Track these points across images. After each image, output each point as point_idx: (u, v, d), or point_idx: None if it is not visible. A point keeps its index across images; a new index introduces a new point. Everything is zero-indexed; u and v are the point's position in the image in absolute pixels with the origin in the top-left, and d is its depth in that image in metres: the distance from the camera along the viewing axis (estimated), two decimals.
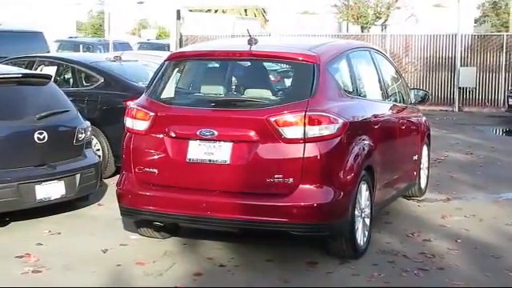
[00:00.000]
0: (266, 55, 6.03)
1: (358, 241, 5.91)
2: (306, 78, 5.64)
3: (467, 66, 20.36)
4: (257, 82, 5.95)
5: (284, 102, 5.58)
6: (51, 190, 6.98)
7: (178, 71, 6.15)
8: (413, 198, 8.33)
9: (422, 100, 8.12)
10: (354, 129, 5.81)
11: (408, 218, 7.52)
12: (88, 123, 7.68)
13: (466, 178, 9.81)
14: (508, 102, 17.83)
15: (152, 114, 5.78)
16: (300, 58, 5.76)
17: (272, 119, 5.40)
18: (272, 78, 6.72)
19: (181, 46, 22.65)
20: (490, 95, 20.36)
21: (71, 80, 9.95)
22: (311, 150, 5.40)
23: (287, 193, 5.41)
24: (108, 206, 7.86)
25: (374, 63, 7.02)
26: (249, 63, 6.13)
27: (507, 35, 20.41)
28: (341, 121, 5.56)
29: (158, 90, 6.02)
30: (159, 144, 5.75)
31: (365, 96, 6.52)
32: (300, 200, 5.39)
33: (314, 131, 5.40)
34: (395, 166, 7.07)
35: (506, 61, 19.98)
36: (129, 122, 5.98)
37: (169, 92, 6.04)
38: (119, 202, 6.07)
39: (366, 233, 6.12)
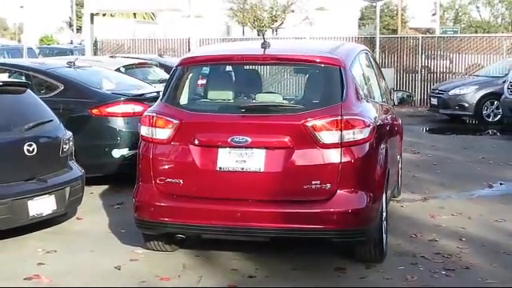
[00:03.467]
0: (291, 59, 5.89)
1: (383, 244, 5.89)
2: (334, 81, 5.56)
3: (385, 67, 20.89)
4: (285, 86, 5.81)
5: (317, 106, 5.47)
6: (43, 206, 6.56)
7: (195, 76, 5.91)
8: (391, 198, 8.39)
9: (401, 101, 8.21)
10: (377, 132, 5.78)
11: (400, 219, 7.56)
12: (70, 133, 7.27)
13: (430, 177, 10.01)
14: (430, 101, 18.41)
15: (176, 121, 5.50)
16: (327, 62, 5.67)
17: (309, 124, 5.28)
18: (299, 82, 6.59)
19: (95, 51, 22.02)
20: None
21: None
22: (348, 155, 5.33)
23: (325, 199, 5.32)
24: (88, 220, 7.51)
25: (372, 65, 7.05)
26: (274, 67, 5.97)
27: (422, 37, 21.15)
28: (371, 124, 5.52)
29: (177, 96, 5.74)
30: (184, 153, 5.49)
31: (373, 98, 6.52)
32: (339, 206, 5.30)
33: (349, 135, 5.33)
34: (394, 168, 7.11)
35: (422, 62, 20.66)
36: (146, 131, 5.66)
37: (190, 98, 5.80)
38: (137, 215, 5.73)
39: (385, 236, 6.10)
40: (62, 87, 9.06)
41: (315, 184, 5.28)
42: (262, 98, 5.80)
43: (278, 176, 5.34)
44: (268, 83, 5.97)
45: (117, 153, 8.81)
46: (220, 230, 5.51)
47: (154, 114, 5.64)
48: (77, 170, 7.17)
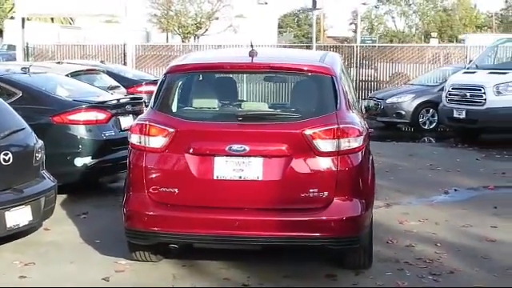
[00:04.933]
0: (284, 68, 5.90)
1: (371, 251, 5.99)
2: (328, 90, 5.62)
3: None
4: (279, 94, 5.82)
5: (313, 115, 5.51)
6: (20, 217, 6.36)
7: (186, 84, 5.85)
8: None
9: (367, 110, 8.38)
10: (367, 140, 5.88)
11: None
12: (42, 142, 7.06)
13: (385, 184, 10.14)
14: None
15: (171, 130, 5.42)
16: (319, 71, 5.73)
17: (307, 133, 5.32)
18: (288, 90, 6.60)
19: (27, 56, 21.46)
20: None
21: None
22: (344, 163, 5.40)
23: (323, 207, 5.36)
24: (57, 231, 7.30)
25: (348, 74, 7.16)
26: (266, 76, 5.97)
27: (357, 46, 21.59)
28: (363, 132, 5.62)
29: (170, 104, 5.67)
30: (179, 161, 5.42)
31: (356, 107, 6.62)
32: (336, 214, 5.36)
33: (345, 144, 5.41)
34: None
35: (357, 69, 21.06)
36: (138, 139, 5.54)
37: (183, 106, 5.74)
38: (129, 225, 5.61)
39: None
40: (20, 94, 8.78)
41: (313, 192, 5.33)
42: (257, 107, 5.81)
43: (276, 184, 5.36)
44: (258, 92, 5.97)
45: (79, 161, 8.60)
46: (217, 238, 5.48)
47: (147, 122, 5.54)
48: (50, 180, 6.98)
